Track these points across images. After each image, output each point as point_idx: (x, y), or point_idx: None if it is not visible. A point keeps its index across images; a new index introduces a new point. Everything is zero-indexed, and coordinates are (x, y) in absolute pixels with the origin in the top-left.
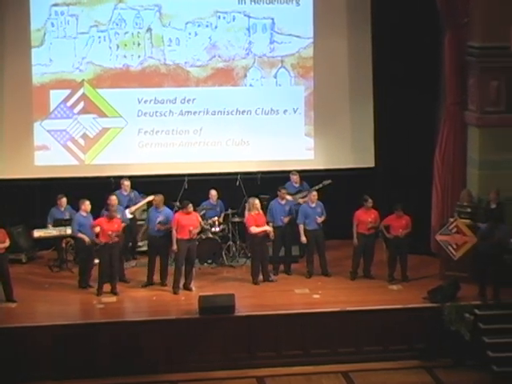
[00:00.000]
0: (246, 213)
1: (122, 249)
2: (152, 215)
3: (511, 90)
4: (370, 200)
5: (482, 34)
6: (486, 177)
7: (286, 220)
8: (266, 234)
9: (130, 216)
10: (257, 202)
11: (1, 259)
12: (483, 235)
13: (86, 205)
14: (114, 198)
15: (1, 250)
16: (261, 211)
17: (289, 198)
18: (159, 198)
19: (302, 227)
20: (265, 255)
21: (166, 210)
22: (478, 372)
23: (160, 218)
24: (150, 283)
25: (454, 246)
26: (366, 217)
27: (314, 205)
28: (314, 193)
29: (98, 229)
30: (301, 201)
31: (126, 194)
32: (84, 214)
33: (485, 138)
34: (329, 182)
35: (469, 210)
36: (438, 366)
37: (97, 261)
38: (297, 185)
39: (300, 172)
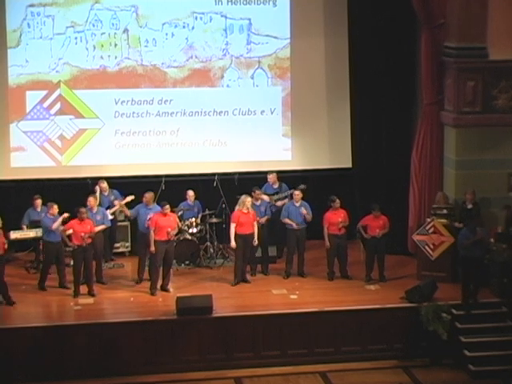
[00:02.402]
0: (237, 206)
1: (101, 250)
2: (142, 212)
3: (488, 91)
4: (337, 200)
5: (458, 34)
6: (462, 177)
7: (261, 221)
8: (251, 234)
9: (110, 217)
10: (248, 199)
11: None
12: (465, 237)
13: (54, 208)
14: (91, 199)
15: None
16: (251, 211)
17: (265, 198)
18: (150, 195)
19: (287, 220)
20: (246, 256)
21: (157, 207)
22: (455, 371)
23: (151, 215)
24: (141, 280)
25: (431, 246)
26: (335, 218)
27: (298, 204)
28: (297, 192)
29: (70, 231)
30: (279, 203)
31: (106, 194)
32: (51, 217)
33: (461, 138)
34: (304, 186)
35: (445, 211)
36: (416, 366)
37: (71, 262)
38: (275, 186)
39: (277, 172)
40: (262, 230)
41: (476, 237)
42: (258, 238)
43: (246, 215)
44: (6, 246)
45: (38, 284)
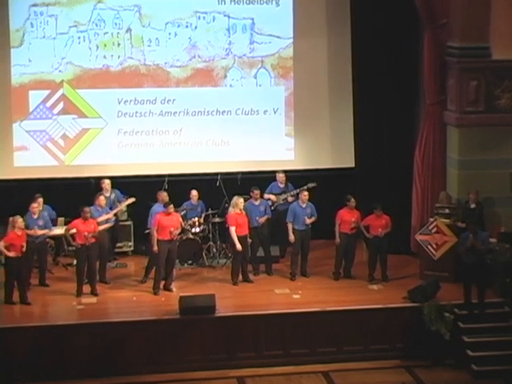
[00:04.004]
0: (230, 209)
1: (106, 249)
2: (157, 211)
3: (490, 90)
4: (352, 200)
5: (461, 34)
6: (465, 176)
7: (261, 220)
8: (246, 235)
9: (113, 218)
10: (241, 200)
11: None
12: (460, 244)
13: (34, 207)
14: (102, 199)
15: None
16: (243, 211)
17: (272, 197)
18: (164, 194)
19: (290, 226)
20: (245, 255)
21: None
22: (458, 371)
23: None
24: (146, 280)
25: (434, 246)
26: (349, 216)
27: (304, 205)
28: (305, 193)
29: (73, 231)
30: (290, 199)
31: (107, 194)
32: (34, 216)
33: (464, 137)
34: (314, 184)
35: (447, 211)
36: (418, 366)
37: (74, 262)
38: (282, 185)
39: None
40: (262, 230)
41: (467, 244)
42: (256, 238)
43: (241, 216)
44: (23, 249)
45: (39, 281)
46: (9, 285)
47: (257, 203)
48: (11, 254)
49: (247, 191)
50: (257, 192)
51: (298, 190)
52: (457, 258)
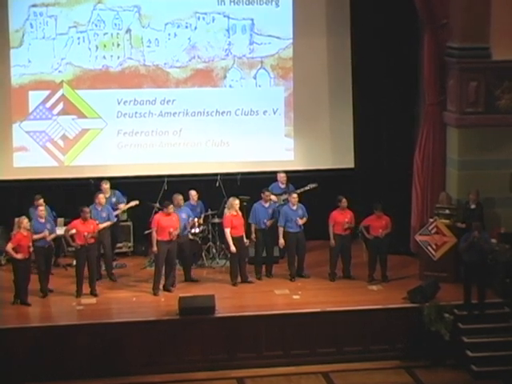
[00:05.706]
0: (226, 210)
1: (109, 247)
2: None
3: (490, 91)
4: (344, 200)
5: (461, 34)
6: (465, 177)
7: (269, 223)
8: (242, 236)
9: (115, 219)
10: (236, 202)
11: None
12: (462, 241)
13: (41, 210)
14: (101, 197)
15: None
16: (239, 212)
17: (273, 198)
18: (180, 197)
19: (281, 230)
20: (243, 256)
21: (186, 208)
22: (458, 372)
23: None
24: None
25: (434, 247)
26: (342, 217)
27: (295, 207)
28: (295, 195)
29: (73, 231)
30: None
31: (107, 196)
32: (41, 220)
33: (464, 138)
34: (314, 185)
35: (447, 211)
36: (418, 366)
37: (74, 262)
38: (283, 186)
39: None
40: (268, 232)
41: (468, 240)
42: (262, 239)
43: (237, 217)
44: (30, 250)
45: (40, 290)
46: (20, 287)
47: (266, 205)
48: (19, 257)
49: (246, 192)
50: (268, 193)
51: (298, 191)
52: (457, 257)
